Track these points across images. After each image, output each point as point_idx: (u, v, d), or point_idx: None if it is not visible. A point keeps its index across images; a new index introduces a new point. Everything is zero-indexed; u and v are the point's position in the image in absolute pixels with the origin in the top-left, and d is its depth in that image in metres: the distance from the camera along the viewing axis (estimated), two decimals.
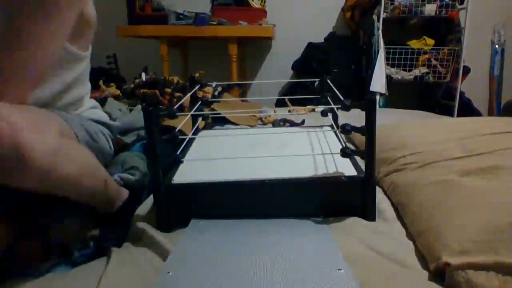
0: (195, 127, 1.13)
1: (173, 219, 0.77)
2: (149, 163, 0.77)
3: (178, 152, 0.93)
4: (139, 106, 1.51)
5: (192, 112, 1.07)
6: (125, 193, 0.90)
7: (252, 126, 1.51)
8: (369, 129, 0.72)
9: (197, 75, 1.85)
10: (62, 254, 0.77)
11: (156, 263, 0.65)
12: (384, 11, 2.32)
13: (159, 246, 0.68)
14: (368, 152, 0.74)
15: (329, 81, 1.16)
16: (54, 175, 0.66)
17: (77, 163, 0.72)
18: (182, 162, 0.88)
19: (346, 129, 0.75)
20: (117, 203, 0.87)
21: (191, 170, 0.86)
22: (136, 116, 1.35)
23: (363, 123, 0.73)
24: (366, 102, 0.71)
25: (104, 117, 1.02)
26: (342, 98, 0.84)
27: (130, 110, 1.47)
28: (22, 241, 0.75)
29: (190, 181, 0.79)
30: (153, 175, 0.76)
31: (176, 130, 0.93)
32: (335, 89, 1.07)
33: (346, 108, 0.81)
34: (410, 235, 0.72)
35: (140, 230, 0.76)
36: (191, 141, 1.06)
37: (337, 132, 1.10)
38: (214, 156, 0.94)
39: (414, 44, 2.44)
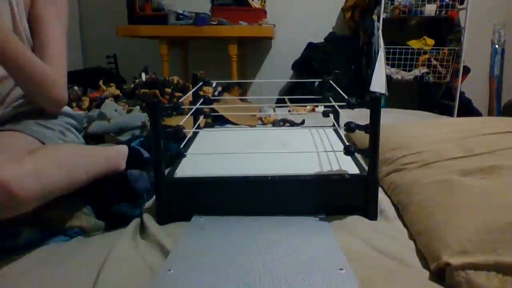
0: (197, 124, 1.13)
1: (174, 213, 0.78)
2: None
3: (181, 147, 0.94)
4: (137, 108, 1.51)
5: (196, 106, 1.07)
6: (124, 150, 0.93)
7: (252, 126, 1.52)
8: (373, 126, 0.73)
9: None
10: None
11: (157, 260, 0.65)
12: (384, 11, 2.32)
13: (160, 243, 0.68)
14: (372, 150, 0.74)
15: (331, 82, 1.17)
16: (49, 188, 0.66)
17: (63, 163, 0.72)
18: (184, 156, 0.88)
19: (350, 127, 0.75)
20: (122, 163, 0.90)
21: (194, 165, 0.86)
22: (131, 117, 1.35)
23: (365, 123, 0.73)
24: (372, 99, 0.71)
25: (67, 109, 1.05)
26: (346, 97, 0.84)
27: (130, 111, 1.47)
28: None
29: (193, 175, 0.79)
30: (156, 168, 0.76)
31: (179, 125, 0.94)
32: (338, 89, 1.07)
33: (351, 106, 0.81)
34: (411, 235, 0.72)
35: (143, 223, 0.76)
36: (192, 138, 1.06)
37: (339, 130, 1.10)
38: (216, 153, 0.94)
39: (414, 44, 2.44)
